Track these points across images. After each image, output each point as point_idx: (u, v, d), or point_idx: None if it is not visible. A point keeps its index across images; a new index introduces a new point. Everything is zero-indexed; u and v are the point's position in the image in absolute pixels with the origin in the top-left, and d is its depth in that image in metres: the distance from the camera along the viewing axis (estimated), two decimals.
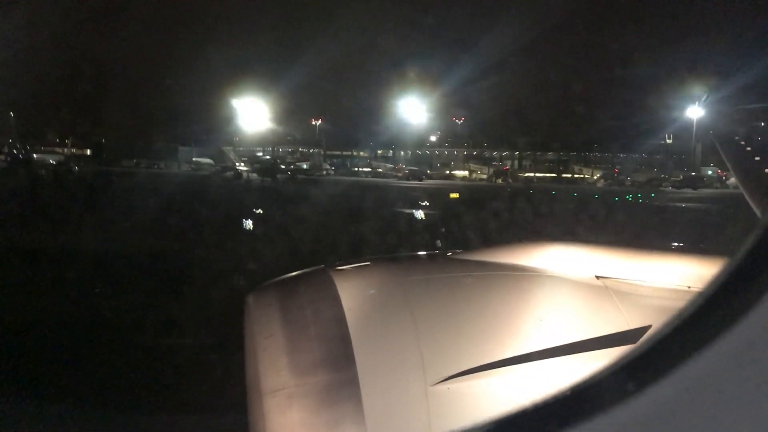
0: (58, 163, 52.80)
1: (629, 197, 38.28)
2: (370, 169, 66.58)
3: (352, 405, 1.71)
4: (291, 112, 77.83)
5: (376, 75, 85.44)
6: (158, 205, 22.06)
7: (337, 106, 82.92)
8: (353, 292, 1.98)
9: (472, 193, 35.60)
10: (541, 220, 19.04)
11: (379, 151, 77.71)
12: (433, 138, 78.89)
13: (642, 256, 2.42)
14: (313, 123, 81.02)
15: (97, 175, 41.11)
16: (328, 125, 79.11)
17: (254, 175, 50.49)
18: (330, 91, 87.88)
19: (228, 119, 74.76)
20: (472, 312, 1.98)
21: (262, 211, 21.00)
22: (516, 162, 72.40)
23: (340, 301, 1.91)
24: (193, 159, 66.52)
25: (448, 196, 33.11)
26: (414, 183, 51.35)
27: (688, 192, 46.26)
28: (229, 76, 73.82)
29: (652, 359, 1.00)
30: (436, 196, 31.60)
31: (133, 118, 67.95)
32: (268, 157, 67.46)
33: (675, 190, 50.09)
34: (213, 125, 74.93)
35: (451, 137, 79.71)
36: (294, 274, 2.23)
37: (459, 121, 79.98)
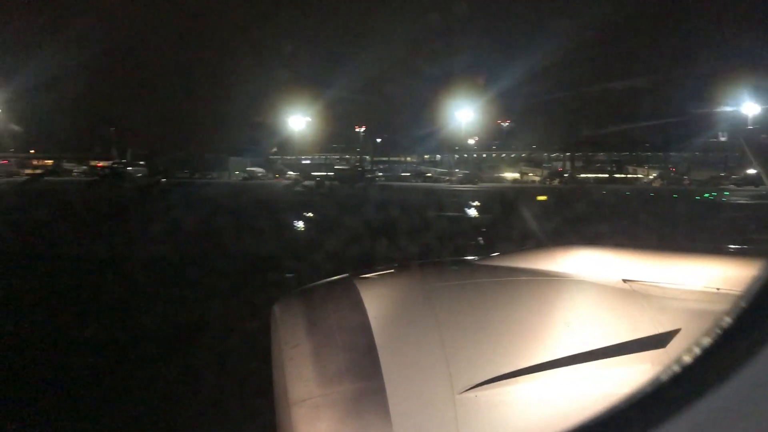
0: (144, 176, 53.33)
1: (708, 195, 37.60)
2: (418, 174, 66.44)
3: (379, 414, 1.69)
4: (335, 120, 78.34)
5: (420, 81, 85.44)
6: (289, 215, 21.99)
7: (380, 112, 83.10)
8: (378, 299, 1.96)
9: (553, 196, 35.11)
10: (660, 222, 18.61)
11: (425, 156, 77.61)
12: (472, 141, 78.66)
13: (671, 258, 2.38)
14: (357, 130, 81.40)
15: (181, 186, 41.29)
16: (372, 132, 79.43)
17: (330, 183, 49.43)
18: (373, 98, 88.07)
19: (274, 128, 75.53)
20: (499, 318, 1.94)
21: (397, 218, 20.63)
22: (568, 163, 71.61)
23: (365, 309, 1.90)
24: (247, 168, 67.04)
25: (536, 198, 32.70)
26: (469, 186, 50.90)
27: (752, 189, 45.19)
28: (276, 86, 74.33)
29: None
30: (522, 199, 31.26)
31: (184, 130, 68.66)
32: (345, 165, 67.34)
33: (737, 188, 48.94)
34: (259, 135, 75.74)
35: (498, 140, 79.46)
36: (319, 282, 2.23)
37: (504, 123, 79.72)
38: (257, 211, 23.79)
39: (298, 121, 74.79)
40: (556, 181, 61.27)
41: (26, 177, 53.18)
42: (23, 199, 30.84)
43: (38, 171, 59.29)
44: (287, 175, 63.16)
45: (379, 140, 79.02)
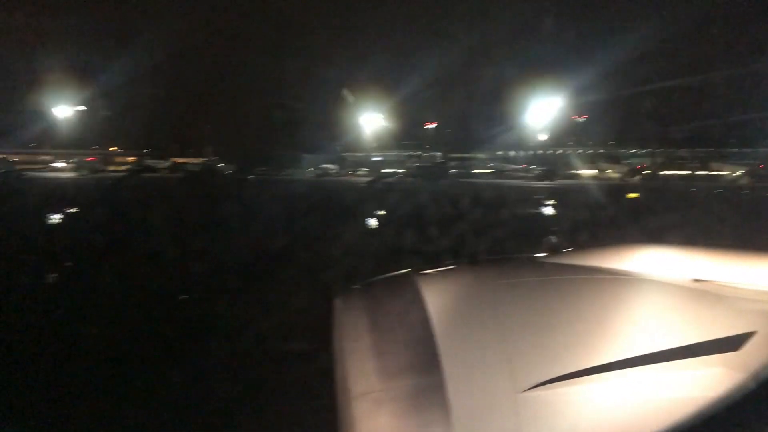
0: (234, 172, 54.86)
1: None
2: (491, 171, 65.76)
3: (440, 410, 1.66)
4: (405, 117, 78.52)
5: (492, 77, 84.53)
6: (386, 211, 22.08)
7: (449, 109, 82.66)
8: (439, 295, 1.95)
9: (645, 193, 34.16)
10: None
11: (497, 152, 76.80)
12: (544, 137, 77.28)
13: (745, 257, 2.26)
14: (427, 126, 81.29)
15: (269, 183, 42.27)
16: (442, 128, 79.23)
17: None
18: (442, 95, 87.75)
19: (345, 125, 76.39)
20: (563, 317, 1.88)
21: (501, 215, 20.42)
22: (650, 159, 69.45)
23: (425, 305, 1.89)
24: (321, 165, 68.05)
25: (626, 196, 31.90)
26: (548, 183, 50.01)
27: None
28: (345, 83, 75.04)
29: None
30: (611, 196, 30.54)
31: (258, 128, 70.24)
32: (426, 162, 67.46)
33: None
34: (330, 131, 76.78)
35: (572, 136, 77.81)
36: (380, 277, 2.21)
37: (579, 119, 77.93)
38: (358, 206, 24.00)
39: (369, 118, 75.43)
40: (636, 178, 59.48)
41: (124, 173, 55.29)
42: (136, 193, 31.83)
43: (137, 167, 61.67)
44: (358, 172, 63.78)
45: (449, 137, 78.83)
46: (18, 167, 52.74)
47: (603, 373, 1.72)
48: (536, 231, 16.02)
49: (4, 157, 53.68)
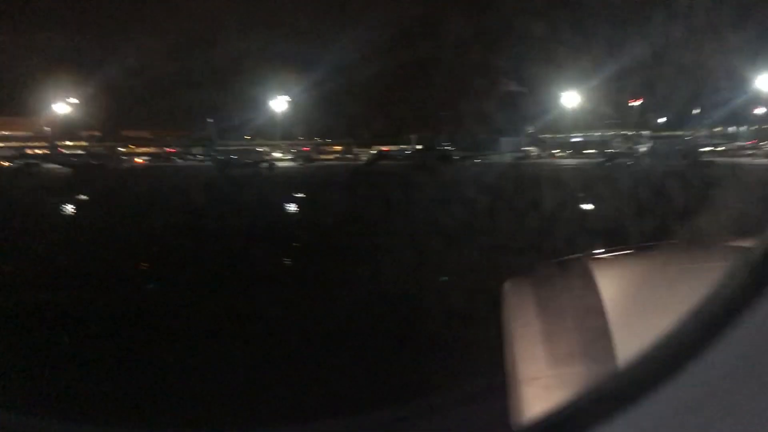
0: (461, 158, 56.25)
1: None
2: (717, 148, 60.53)
3: None
4: (607, 95, 74.59)
5: (704, 49, 77.41)
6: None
7: (657, 85, 77.03)
8: (613, 281, 1.88)
9: None
10: None
11: (714, 129, 70.47)
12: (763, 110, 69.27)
13: None
14: (631, 104, 76.63)
15: (491, 166, 42.66)
16: (648, 106, 74.19)
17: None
18: (649, 70, 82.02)
19: (544, 106, 74.37)
20: None
21: None
22: None
23: (598, 291, 1.83)
24: (522, 147, 67.10)
25: None
26: None
27: None
28: (541, 62, 72.83)
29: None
30: None
31: (460, 112, 70.61)
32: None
33: None
34: (526, 113, 75.17)
35: None
36: (550, 261, 2.14)
37: None
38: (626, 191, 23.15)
39: (570, 97, 72.75)
40: None
41: (365, 161, 57.89)
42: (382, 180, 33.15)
43: (377, 156, 64.21)
44: (558, 154, 61.96)
45: (656, 116, 73.72)
46: (265, 156, 58.03)
47: None
48: None
49: (252, 149, 59.41)
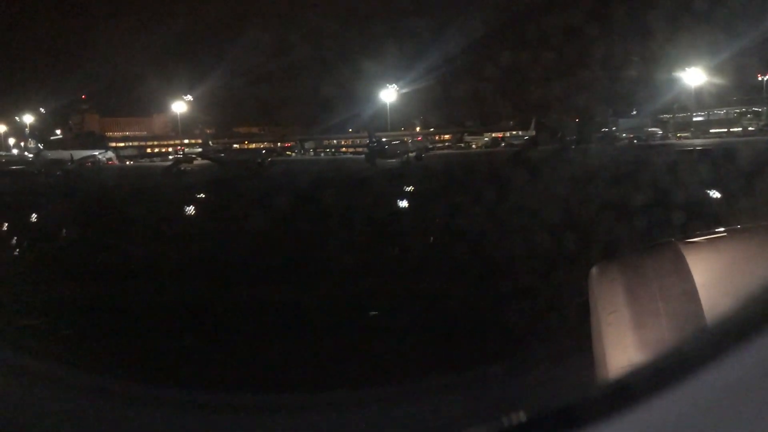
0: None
1: None
2: None
3: None
4: (733, 70, 70.29)
5: None
6: None
7: None
8: (707, 265, 1.83)
9: None
10: None
11: None
12: None
13: None
14: (761, 78, 72.08)
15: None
16: None
17: None
18: None
19: (660, 85, 71.14)
20: None
21: None
22: None
23: (691, 276, 1.81)
24: (646, 129, 64.53)
25: None
26: None
27: None
28: (665, 37, 69.38)
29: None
30: None
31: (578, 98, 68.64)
32: None
33: None
34: (642, 93, 72.03)
35: None
36: (639, 247, 2.06)
37: None
38: None
39: (695, 75, 69.06)
40: None
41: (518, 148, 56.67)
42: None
43: (530, 142, 62.51)
44: (681, 135, 58.92)
45: None
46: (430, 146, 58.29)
47: None
48: None
49: (399, 140, 59.95)
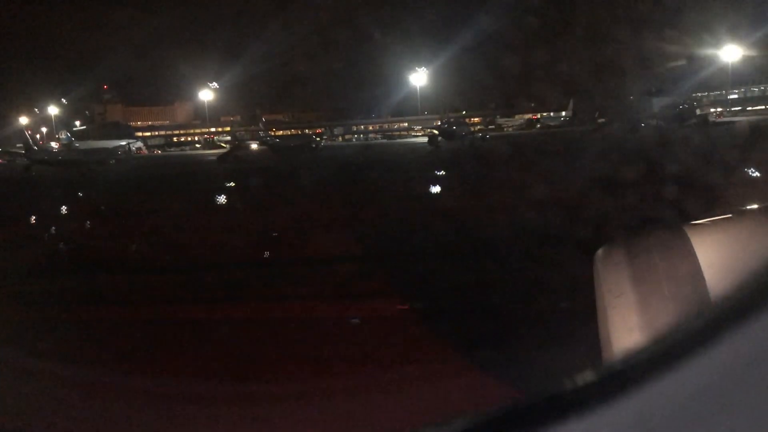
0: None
1: None
2: None
3: None
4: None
5: None
6: None
7: None
8: (713, 247, 1.81)
9: None
10: None
11: None
12: None
13: None
14: None
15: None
16: None
17: None
18: None
19: (699, 62, 70.19)
20: None
21: None
22: None
23: (696, 258, 1.79)
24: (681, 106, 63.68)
25: None
26: None
27: None
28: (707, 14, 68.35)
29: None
30: None
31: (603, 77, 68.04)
32: None
33: None
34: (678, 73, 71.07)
35: None
36: (644, 230, 2.07)
37: None
38: None
39: (730, 51, 68.02)
40: None
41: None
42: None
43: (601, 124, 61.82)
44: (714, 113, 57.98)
45: None
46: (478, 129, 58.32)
47: None
48: None
49: (462, 121, 59.71)
